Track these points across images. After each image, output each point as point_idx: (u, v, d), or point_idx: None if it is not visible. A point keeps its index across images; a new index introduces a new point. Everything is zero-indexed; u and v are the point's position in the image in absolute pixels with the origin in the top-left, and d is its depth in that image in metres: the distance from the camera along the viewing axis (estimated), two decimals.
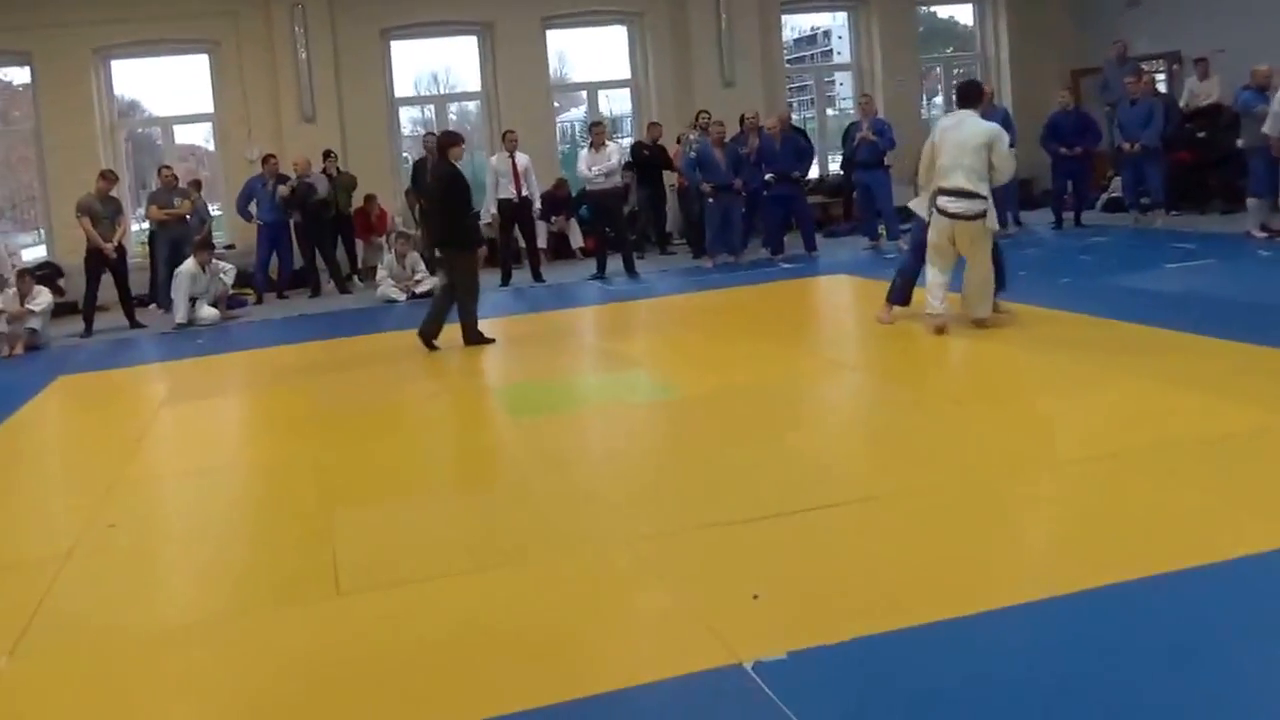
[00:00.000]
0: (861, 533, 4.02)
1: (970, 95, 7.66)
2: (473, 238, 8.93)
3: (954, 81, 17.24)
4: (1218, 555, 3.42)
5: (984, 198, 7.19)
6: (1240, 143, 11.43)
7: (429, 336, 8.67)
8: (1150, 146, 12.30)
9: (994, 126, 7.44)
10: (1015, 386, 6.29)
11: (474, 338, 8.72)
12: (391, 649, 3.34)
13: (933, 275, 7.48)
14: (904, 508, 4.19)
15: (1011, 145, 12.45)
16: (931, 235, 7.42)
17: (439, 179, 8.80)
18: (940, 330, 7.38)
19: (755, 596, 3.40)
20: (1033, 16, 16.55)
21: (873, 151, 12.70)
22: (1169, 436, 4.75)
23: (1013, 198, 12.94)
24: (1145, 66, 14.02)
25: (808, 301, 10.63)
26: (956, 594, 3.33)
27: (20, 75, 14.38)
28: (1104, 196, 14.02)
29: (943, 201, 7.25)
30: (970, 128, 7.30)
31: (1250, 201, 11.03)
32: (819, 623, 3.20)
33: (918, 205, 7.78)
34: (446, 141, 8.75)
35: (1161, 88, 14.24)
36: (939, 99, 17.16)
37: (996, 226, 7.51)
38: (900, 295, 8.06)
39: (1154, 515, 3.88)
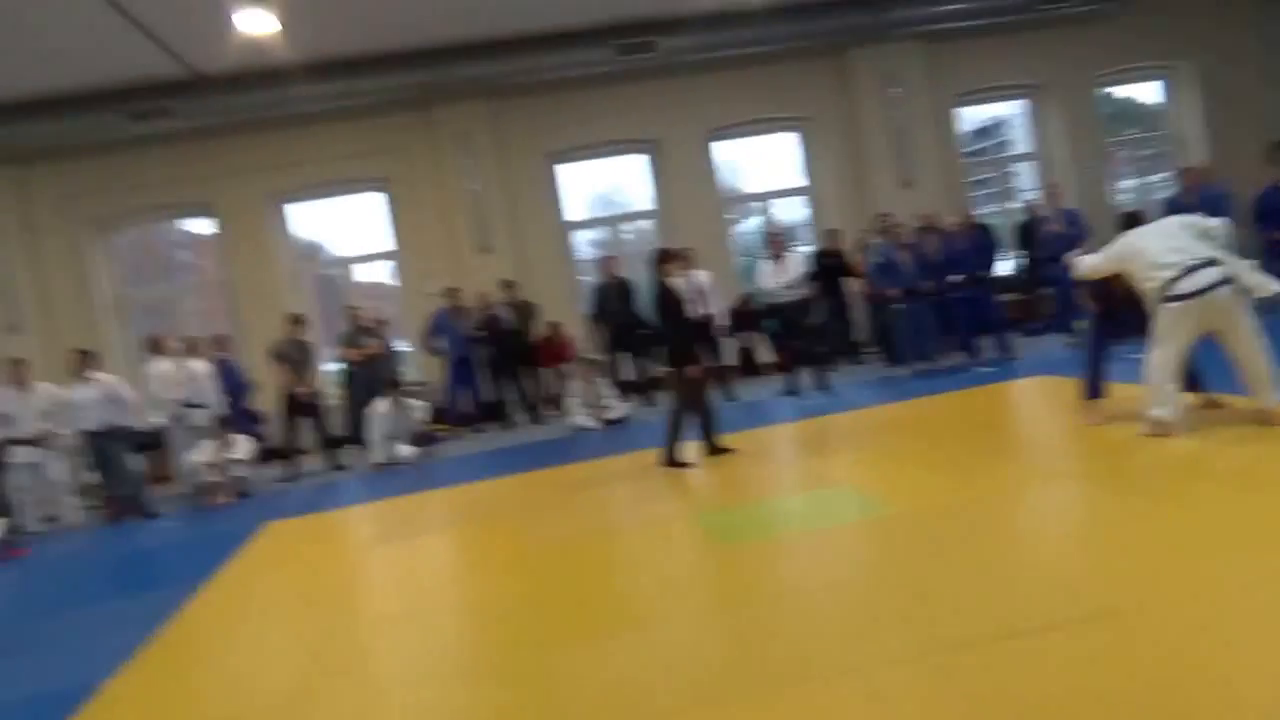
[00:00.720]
0: (1092, 652, 3.77)
1: (1132, 222, 7.34)
2: (686, 354, 8.85)
3: (1141, 159, 16.74)
4: None
5: (1224, 263, 6.52)
6: None
7: (676, 458, 8.71)
8: None
9: (1187, 216, 7.02)
10: (1245, 489, 5.67)
11: (670, 460, 8.69)
12: None
13: (1162, 376, 6.84)
14: (1138, 624, 3.94)
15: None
16: (1169, 331, 6.75)
17: (654, 297, 8.90)
18: (1166, 434, 6.82)
19: None
20: (1225, 87, 15.83)
21: (1064, 243, 12.16)
22: None
23: None
24: None
25: (1010, 406, 10.07)
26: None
27: (205, 226, 15.05)
28: None
29: (1182, 286, 6.56)
30: (1163, 220, 7.04)
31: None
32: None
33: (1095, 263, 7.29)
34: (660, 259, 8.87)
35: None
36: (1128, 183, 16.49)
37: (1274, 287, 6.56)
38: (1096, 390, 7.73)
39: None
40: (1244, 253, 11.71)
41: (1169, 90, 16.53)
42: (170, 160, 13.93)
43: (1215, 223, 6.84)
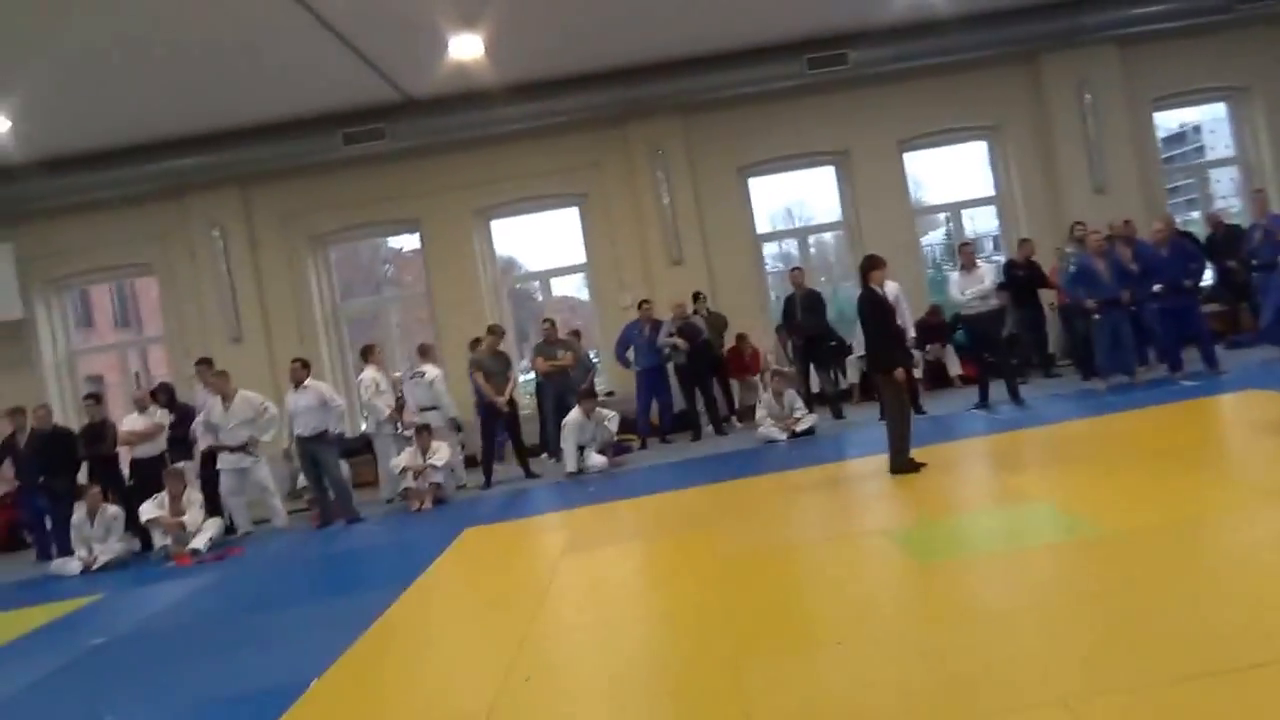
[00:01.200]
0: None
1: None
2: (894, 359, 8.93)
3: None
4: None
5: None
6: None
7: (904, 467, 8.75)
8: None
9: None
10: None
11: (900, 465, 8.73)
12: None
13: None
14: None
15: None
16: None
17: (863, 303, 9.03)
18: None
19: None
20: None
21: (1274, 250, 11.60)
22: None
23: None
24: None
25: (1218, 422, 9.69)
26: None
27: (410, 241, 15.76)
28: None
29: None
30: None
31: None
32: None
33: None
34: (869, 265, 9.01)
35: None
36: None
37: None
38: None
39: None
40: None
41: None
42: (381, 179, 14.73)
43: None
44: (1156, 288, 11.90)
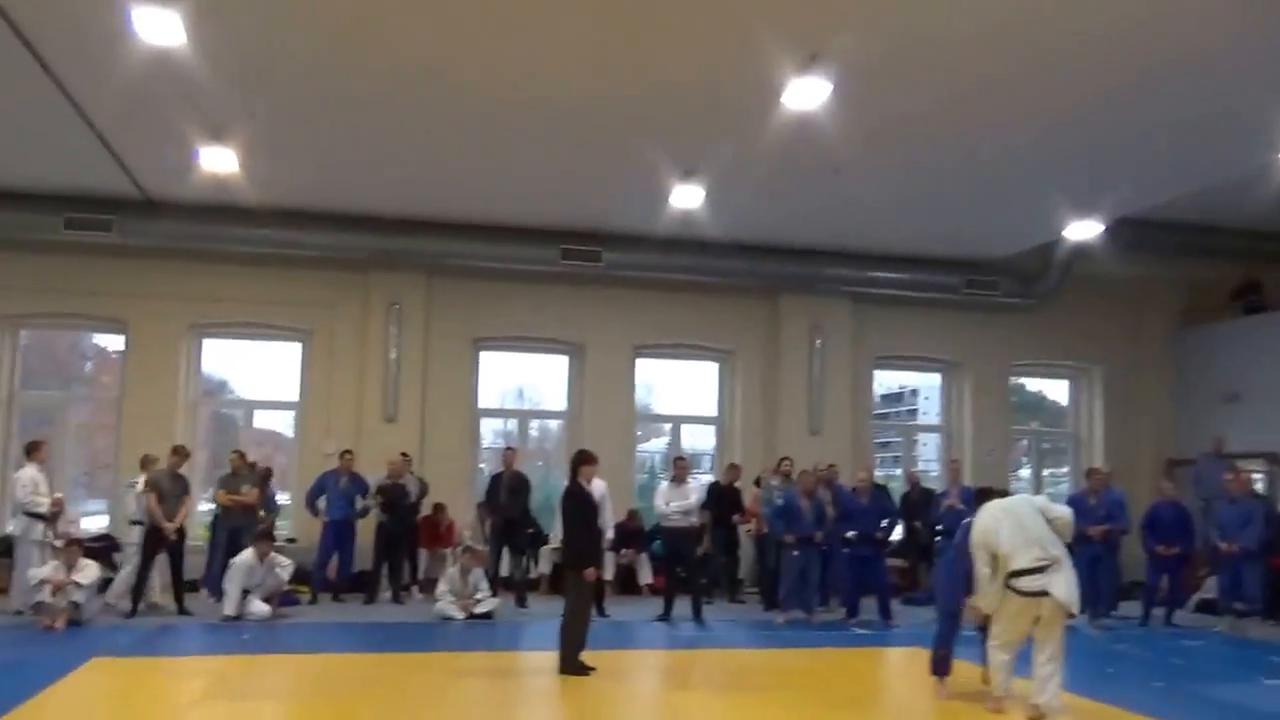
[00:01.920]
0: None
1: (989, 494, 7.90)
2: (588, 558, 8.74)
3: (1042, 454, 17.18)
4: None
5: (1060, 565, 7.12)
6: None
7: (574, 668, 8.52)
8: (1249, 549, 11.85)
9: (1030, 496, 7.86)
10: None
11: (570, 666, 8.50)
12: None
13: (1001, 658, 7.38)
14: None
15: (1124, 530, 12.23)
16: (1008, 621, 7.28)
17: (567, 497, 8.88)
18: (1000, 711, 7.25)
19: None
20: (1128, 401, 16.58)
21: (958, 519, 12.23)
22: None
23: (1111, 589, 12.39)
24: (1242, 465, 13.61)
25: (880, 675, 9.99)
26: None
27: (115, 343, 14.73)
28: (1196, 596, 13.32)
29: (1024, 583, 7.10)
30: (1020, 503, 7.50)
31: None
32: None
33: (986, 601, 7.45)
34: (580, 460, 8.91)
35: (1259, 488, 13.82)
36: (1025, 470, 16.90)
37: (1075, 611, 7.24)
38: (945, 668, 8.00)
39: None
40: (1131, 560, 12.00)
41: (1075, 390, 17.21)
42: (96, 272, 13.71)
43: (1063, 512, 7.44)
44: (850, 534, 12.31)
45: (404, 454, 13.19)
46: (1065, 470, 17.19)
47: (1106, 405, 16.67)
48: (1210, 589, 12.97)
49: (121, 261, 13.69)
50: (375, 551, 12.76)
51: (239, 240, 13.57)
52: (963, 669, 8.16)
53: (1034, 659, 7.21)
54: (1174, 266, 16.01)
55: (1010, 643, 7.33)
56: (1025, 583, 7.08)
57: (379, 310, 14.33)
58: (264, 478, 12.76)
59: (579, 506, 8.77)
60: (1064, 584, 7.04)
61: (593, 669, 8.53)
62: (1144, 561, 12.70)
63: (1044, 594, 7.04)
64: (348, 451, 13.01)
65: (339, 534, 12.66)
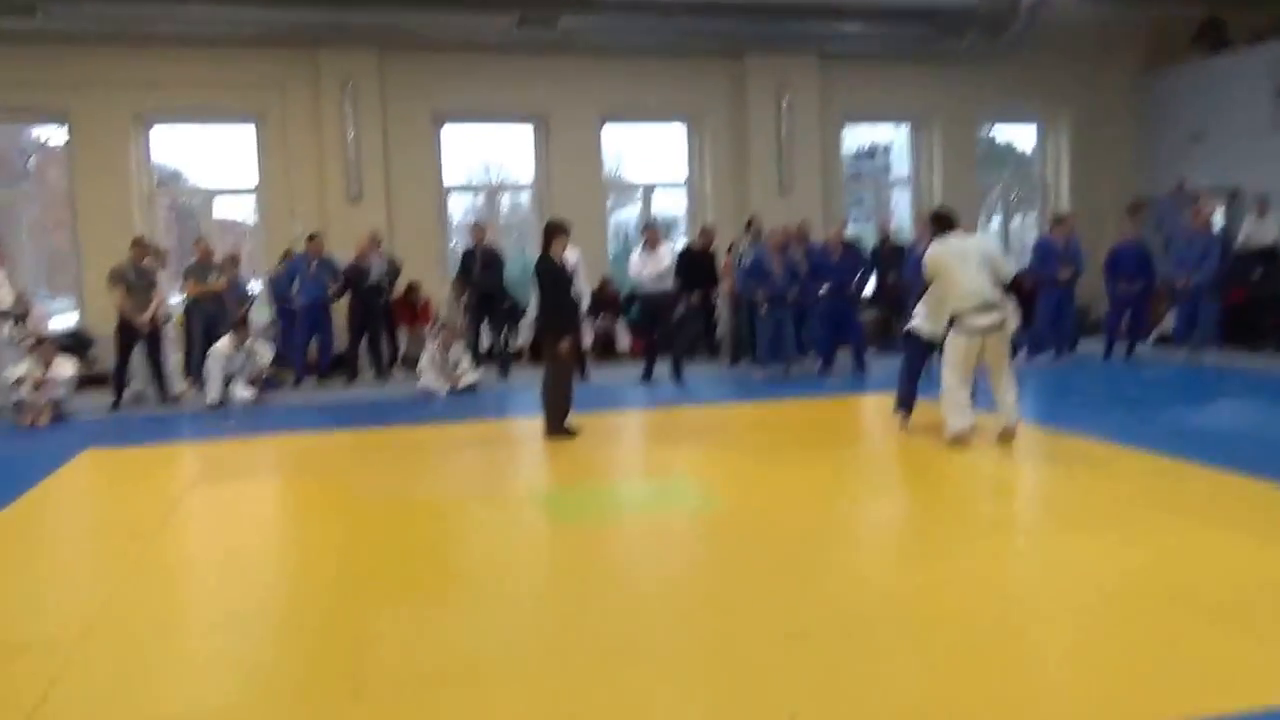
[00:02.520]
0: (900, 652, 3.97)
1: (946, 222, 8.07)
2: (563, 328, 8.83)
3: (1011, 203, 17.26)
4: (1268, 700, 3.38)
5: (1002, 307, 7.63)
6: None
7: (559, 430, 8.76)
8: (1204, 284, 12.11)
9: (984, 239, 8.19)
10: (1059, 519, 6.06)
11: (555, 430, 8.72)
12: None
13: (957, 393, 7.82)
14: (945, 629, 4.14)
15: (1079, 273, 12.46)
16: (958, 354, 7.74)
17: (540, 268, 8.87)
18: (963, 443, 7.74)
19: (792, 717, 3.36)
20: (1093, 145, 16.47)
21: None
22: (1219, 579, 4.63)
23: (1071, 326, 12.72)
24: (1204, 200, 13.74)
25: (855, 421, 10.22)
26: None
27: (57, 135, 14.24)
28: (1156, 330, 13.73)
29: (971, 321, 7.60)
30: (973, 245, 7.83)
31: None
32: None
33: (926, 327, 8.24)
34: (552, 230, 8.84)
35: (1217, 223, 13.99)
36: (996, 220, 16.97)
37: (1014, 326, 7.81)
38: (906, 404, 8.65)
39: (1198, 658, 3.79)
40: (1096, 301, 12.27)
41: (1041, 139, 17.10)
42: (27, 62, 13.08)
43: (1008, 271, 7.83)
44: (824, 289, 12.43)
45: (373, 234, 13.02)
46: (1033, 217, 17.28)
47: (1072, 152, 16.60)
48: (1169, 323, 13.35)
49: (55, 49, 12.99)
50: (350, 332, 12.77)
51: (176, 20, 12.84)
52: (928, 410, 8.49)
53: (994, 389, 7.83)
54: (1138, 9, 15.70)
55: (963, 380, 7.79)
56: (970, 321, 7.59)
57: (331, 89, 13.82)
58: (232, 265, 12.61)
59: (553, 277, 8.75)
60: (1002, 319, 7.60)
61: (579, 430, 8.72)
62: (1107, 301, 13.05)
63: (990, 330, 7.58)
64: (315, 234, 12.78)
65: (314, 317, 12.56)
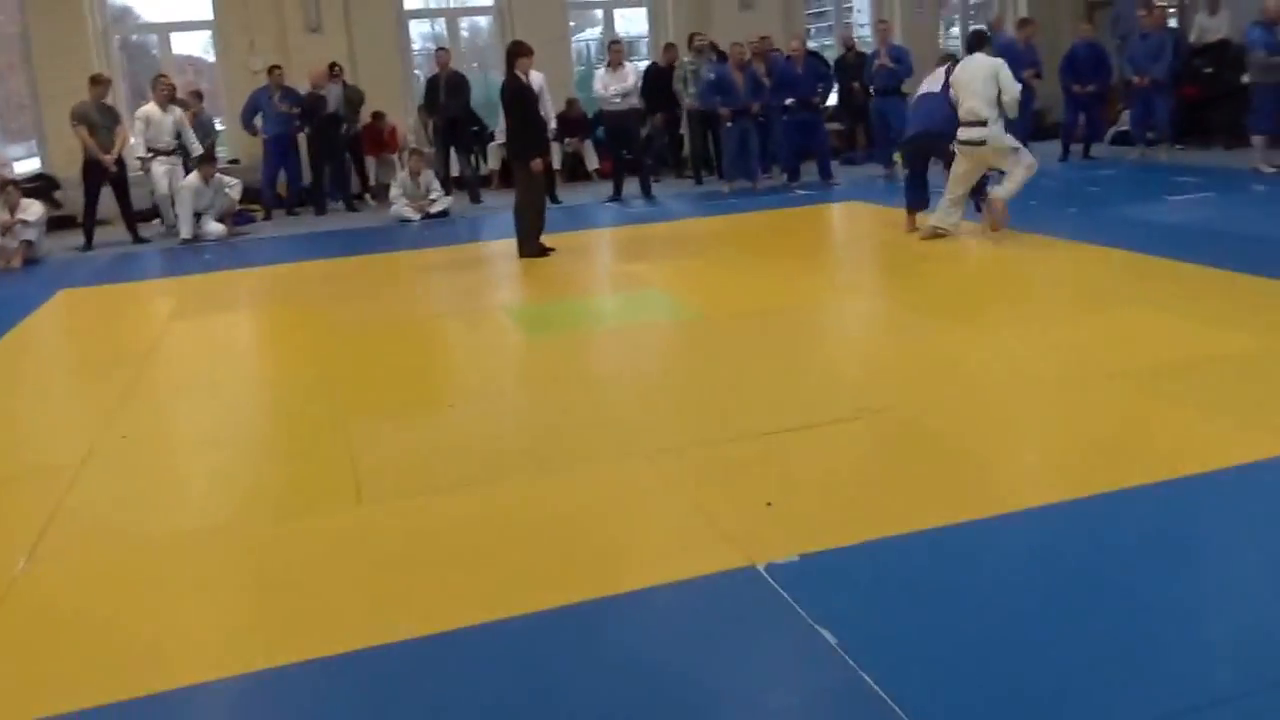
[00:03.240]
0: (870, 445, 4.17)
1: (976, 42, 8.53)
2: (533, 148, 8.89)
3: (970, 9, 17.06)
4: (1210, 465, 3.61)
5: (983, 123, 8.01)
6: (1246, 78, 11.23)
7: (534, 251, 8.83)
8: (1159, 80, 12.16)
9: (996, 60, 8.21)
10: (1020, 309, 6.42)
11: (530, 250, 8.81)
12: (410, 553, 3.41)
13: (948, 195, 8.41)
14: (910, 421, 4.33)
15: (1040, 75, 12.47)
16: (956, 164, 8.34)
17: (506, 90, 8.87)
18: (934, 236, 8.33)
19: (769, 504, 3.50)
20: None
21: (890, 78, 12.40)
22: (1166, 358, 4.93)
23: (1024, 128, 12.79)
24: (1158, 0, 13.64)
25: (822, 227, 10.49)
26: (961, 501, 3.46)
27: None
28: (1112, 130, 13.81)
29: (961, 132, 8.13)
30: (977, 63, 8.18)
31: (1254, 138, 10.95)
32: (830, 528, 3.32)
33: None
34: (515, 51, 8.80)
35: (1173, 23, 13.94)
36: (955, 29, 16.79)
37: (1008, 143, 8.21)
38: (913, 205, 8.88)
39: (1149, 429, 4.09)
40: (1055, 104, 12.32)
41: None
42: None
43: (1014, 93, 8.08)
44: (788, 101, 12.42)
45: (333, 64, 12.84)
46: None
47: None
48: (1125, 122, 13.43)
49: None
50: (311, 163, 12.72)
51: None
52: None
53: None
54: None
55: (956, 184, 8.38)
56: (960, 134, 8.13)
57: None
58: (195, 99, 12.48)
59: (519, 98, 8.76)
60: (981, 137, 8.04)
61: (553, 250, 8.87)
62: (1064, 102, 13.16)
63: (968, 144, 8.11)
64: (276, 66, 12.59)
65: (280, 149, 12.49)
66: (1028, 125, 12.78)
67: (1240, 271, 6.44)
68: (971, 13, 17.25)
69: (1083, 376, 4.73)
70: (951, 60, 9.04)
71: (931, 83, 8.82)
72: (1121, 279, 6.73)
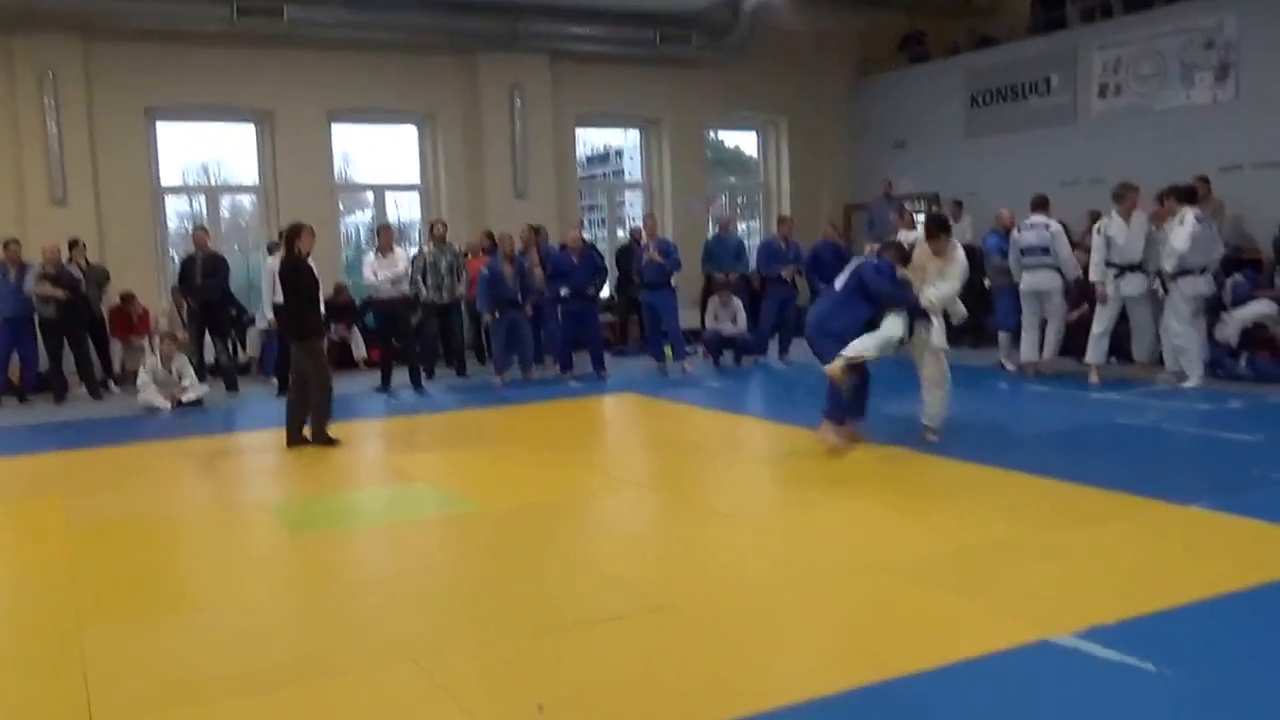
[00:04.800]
0: (643, 641, 4.18)
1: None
2: (315, 327, 8.72)
3: (738, 206, 17.90)
4: (970, 652, 3.81)
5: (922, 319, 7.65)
6: (987, 282, 11.99)
7: (296, 433, 8.54)
8: None
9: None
10: (788, 501, 6.64)
11: (319, 438, 8.55)
12: None
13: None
14: (683, 616, 4.38)
15: (801, 272, 13.00)
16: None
17: (285, 270, 8.68)
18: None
19: (540, 707, 3.48)
20: (810, 151, 17.34)
21: (659, 272, 12.59)
22: (925, 549, 5.15)
23: (793, 325, 13.31)
24: (908, 205, 14.60)
25: (596, 420, 10.50)
26: (731, 698, 3.53)
27: None
28: None
29: None
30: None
31: (1000, 336, 11.74)
32: None
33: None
34: (296, 231, 8.67)
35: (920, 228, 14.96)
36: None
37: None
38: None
39: (911, 619, 4.27)
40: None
41: (763, 142, 17.91)
42: None
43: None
44: (564, 292, 12.49)
45: (75, 240, 12.08)
46: (756, 224, 18.01)
47: (792, 156, 17.42)
48: None
49: None
50: (49, 349, 11.73)
51: None
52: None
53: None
54: (850, 18, 16.58)
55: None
56: None
57: (28, 80, 12.73)
58: None
59: (299, 277, 8.58)
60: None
61: (338, 440, 8.59)
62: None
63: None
64: (13, 241, 11.71)
65: (14, 331, 11.51)
66: (793, 323, 13.31)
67: (987, 465, 6.87)
68: (742, 210, 18.11)
69: (850, 568, 4.92)
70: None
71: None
72: (881, 472, 7.01)
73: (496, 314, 11.90)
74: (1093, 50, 13.95)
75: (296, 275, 8.58)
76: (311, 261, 8.80)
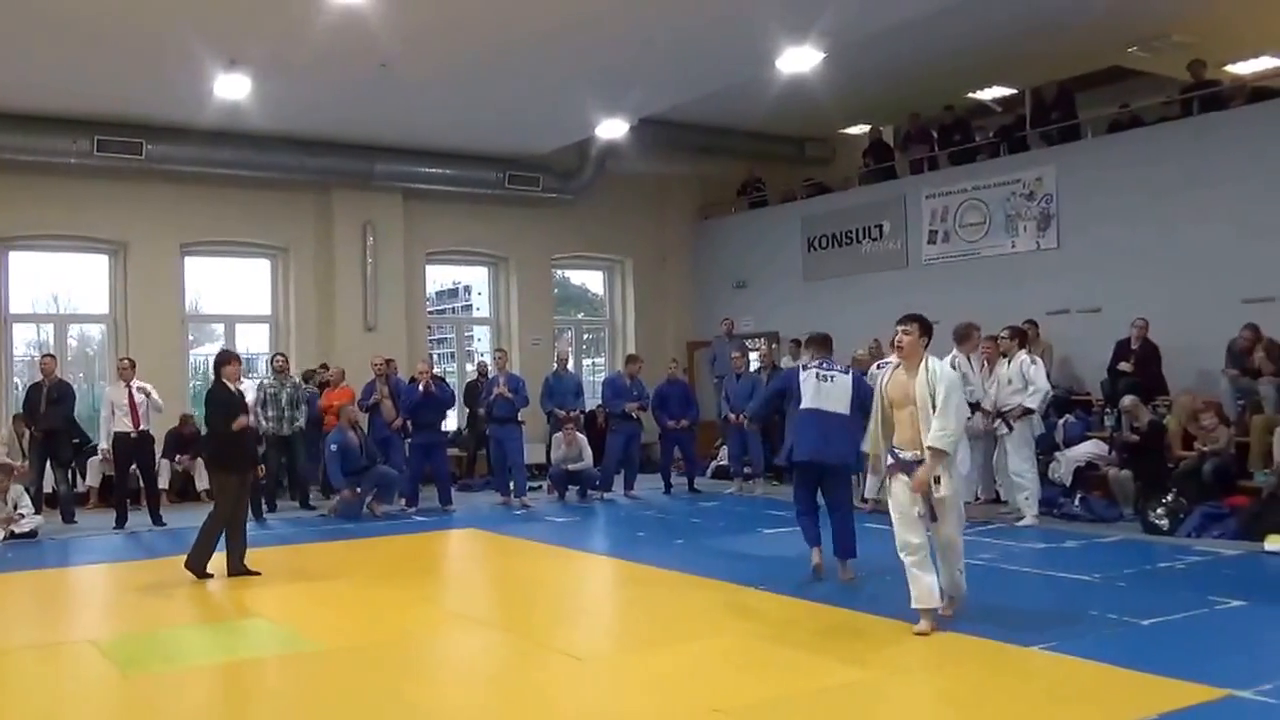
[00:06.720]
0: None
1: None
2: (233, 461, 8.77)
3: (584, 342, 18.44)
4: None
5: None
6: None
7: (201, 567, 8.51)
8: (752, 419, 13.11)
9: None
10: (629, 640, 6.78)
11: (236, 568, 8.62)
12: None
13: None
14: None
15: (645, 409, 13.45)
16: None
17: (211, 397, 8.96)
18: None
19: None
20: (655, 290, 18.18)
21: (507, 407, 12.92)
22: (768, 691, 5.24)
23: (637, 461, 13.82)
24: (749, 344, 15.25)
25: (439, 555, 10.62)
26: None
27: None
28: (713, 464, 15.06)
29: None
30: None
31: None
32: None
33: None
34: (222, 360, 8.93)
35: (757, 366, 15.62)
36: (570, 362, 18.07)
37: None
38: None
39: None
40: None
41: (609, 281, 18.69)
42: None
43: None
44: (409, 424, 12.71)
45: None
46: (603, 360, 18.61)
47: (637, 294, 18.22)
48: (724, 456, 14.62)
49: None
50: None
51: None
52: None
53: None
54: (692, 164, 17.52)
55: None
56: None
57: None
58: None
59: (224, 405, 8.75)
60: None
61: (258, 572, 8.62)
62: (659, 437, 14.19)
63: None
64: None
65: None
66: (635, 460, 13.80)
67: (834, 605, 6.96)
68: (588, 347, 18.66)
69: (689, 711, 4.92)
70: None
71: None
72: (726, 610, 7.11)
73: (333, 446, 12.08)
74: (921, 199, 14.70)
75: (219, 402, 8.78)
76: (239, 388, 9.05)
